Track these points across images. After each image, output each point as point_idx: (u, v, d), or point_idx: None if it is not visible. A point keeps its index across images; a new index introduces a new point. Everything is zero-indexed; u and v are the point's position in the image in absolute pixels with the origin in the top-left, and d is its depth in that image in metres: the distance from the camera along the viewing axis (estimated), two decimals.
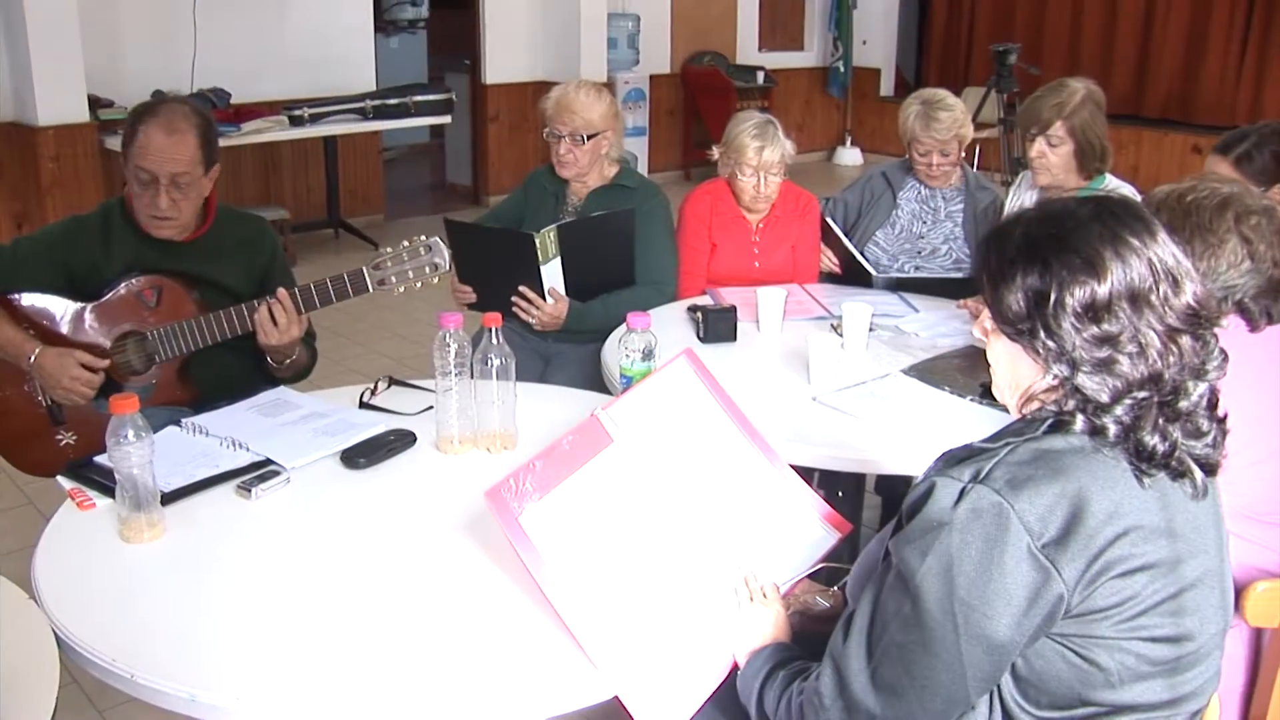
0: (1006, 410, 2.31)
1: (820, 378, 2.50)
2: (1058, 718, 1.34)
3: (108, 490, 1.89)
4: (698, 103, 10.12)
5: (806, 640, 1.64)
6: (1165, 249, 1.33)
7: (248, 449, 2.10)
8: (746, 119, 3.34)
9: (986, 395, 2.43)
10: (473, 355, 2.09)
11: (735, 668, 1.58)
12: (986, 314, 1.45)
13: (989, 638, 1.27)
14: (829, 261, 3.53)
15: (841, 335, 2.73)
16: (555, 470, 1.59)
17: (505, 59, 8.79)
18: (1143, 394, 1.30)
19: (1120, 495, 1.28)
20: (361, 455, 2.08)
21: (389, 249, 2.45)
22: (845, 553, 1.91)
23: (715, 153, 3.43)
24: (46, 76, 6.15)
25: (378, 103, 7.22)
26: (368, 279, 2.44)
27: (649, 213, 3.23)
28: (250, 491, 1.94)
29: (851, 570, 1.59)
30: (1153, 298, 1.30)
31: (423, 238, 2.44)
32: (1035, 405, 1.38)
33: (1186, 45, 9.53)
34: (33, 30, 6.06)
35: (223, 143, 6.13)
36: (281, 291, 2.45)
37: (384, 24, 10.79)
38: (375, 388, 2.44)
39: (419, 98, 7.33)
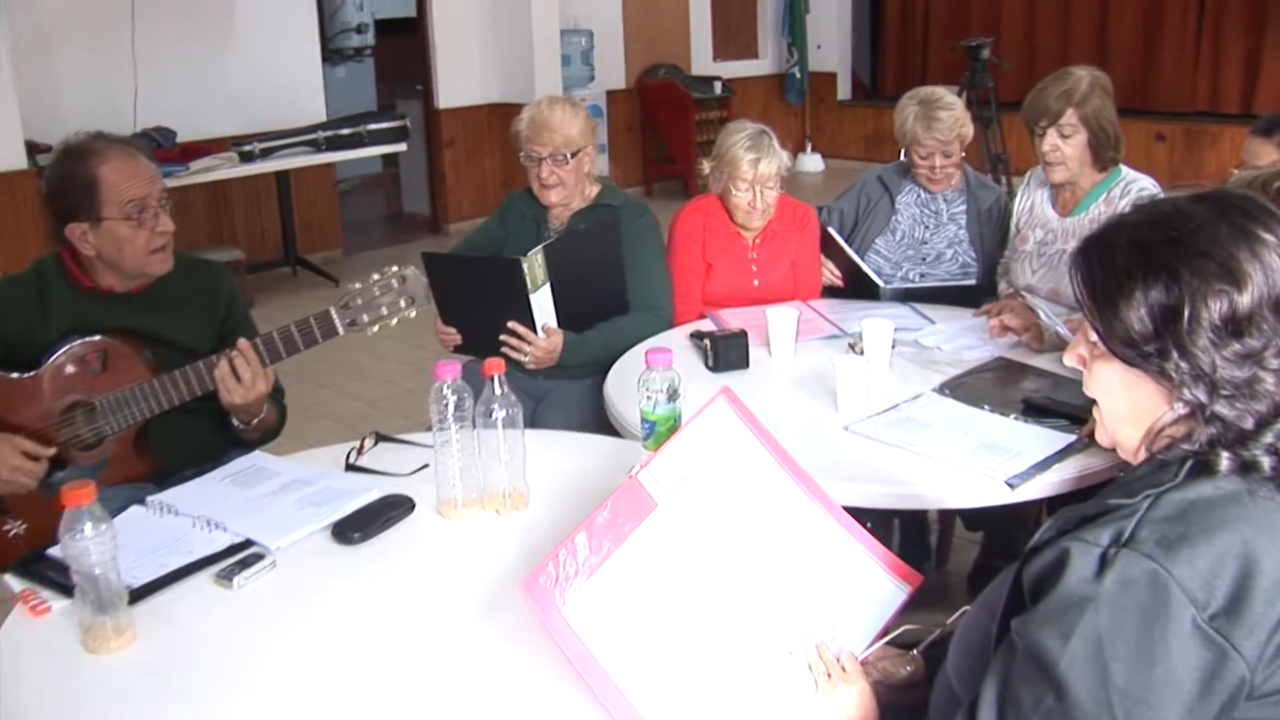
0: (1056, 427, 2.15)
1: (849, 404, 2.29)
2: None
3: (65, 589, 1.63)
4: (656, 116, 9.94)
5: (892, 714, 1.42)
6: None
7: (225, 529, 1.85)
8: (739, 130, 3.13)
9: (1029, 412, 2.23)
10: (474, 407, 1.86)
11: None
12: (1084, 338, 1.25)
13: None
14: (830, 275, 3.33)
15: (862, 354, 2.52)
16: (598, 545, 1.35)
17: (458, 82, 8.55)
18: None
19: None
20: (355, 529, 1.83)
21: (357, 284, 2.19)
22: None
23: (706, 167, 3.21)
24: None
25: (330, 134, 6.94)
26: (336, 321, 2.19)
27: (638, 233, 3.01)
28: (231, 580, 1.69)
29: (951, 646, 1.36)
30: None
31: (395, 268, 2.19)
32: (1165, 442, 1.17)
33: (1144, 33, 9.46)
34: None
35: (171, 183, 5.96)
36: (243, 342, 2.20)
37: (329, 53, 10.52)
38: (361, 446, 2.20)
39: (372, 126, 7.08)
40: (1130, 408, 1.20)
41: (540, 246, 2.72)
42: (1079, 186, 2.92)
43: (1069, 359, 1.28)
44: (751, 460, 1.61)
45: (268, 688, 1.46)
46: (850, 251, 3.25)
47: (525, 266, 2.67)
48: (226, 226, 7.21)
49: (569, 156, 2.94)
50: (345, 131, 7.00)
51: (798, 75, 11.05)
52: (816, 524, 1.61)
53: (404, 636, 1.57)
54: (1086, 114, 2.81)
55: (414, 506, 1.92)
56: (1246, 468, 1.11)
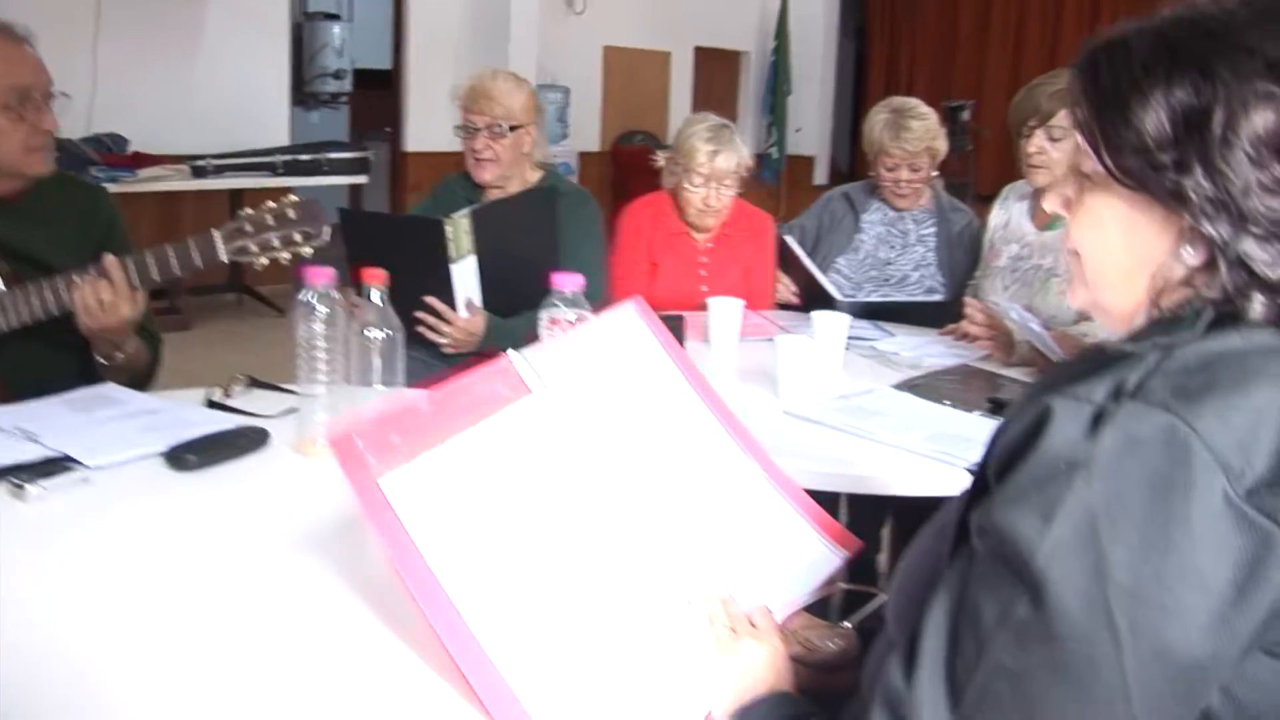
0: None
1: (792, 386, 2.02)
2: None
3: None
4: (628, 183, 9.77)
5: (810, 698, 1.13)
6: None
7: (40, 443, 1.55)
8: (700, 120, 2.93)
9: (998, 410, 1.98)
10: (348, 325, 1.59)
11: None
12: (1072, 176, 0.96)
13: (1174, 651, 0.75)
14: (786, 291, 3.09)
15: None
16: (442, 421, 1.06)
17: (428, 128, 8.35)
18: None
19: None
20: (193, 452, 1.54)
21: (248, 210, 1.95)
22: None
23: (660, 159, 2.99)
24: None
25: (289, 158, 6.72)
26: (219, 245, 1.92)
27: (580, 220, 2.76)
28: (24, 489, 1.40)
29: (894, 582, 1.07)
30: None
31: (292, 197, 1.95)
32: (1177, 297, 0.89)
33: None
34: None
35: (118, 188, 5.73)
36: (109, 257, 1.92)
37: (305, 97, 10.36)
38: (228, 388, 1.91)
39: (333, 155, 6.86)
40: (1125, 251, 0.91)
41: (467, 210, 2.46)
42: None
43: (1051, 203, 1.01)
44: (660, 380, 1.33)
45: (52, 614, 1.16)
46: (808, 263, 3.01)
47: (448, 229, 2.41)
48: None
49: (507, 129, 2.72)
50: (305, 158, 6.78)
51: (775, 155, 10.97)
52: (735, 465, 1.34)
53: (231, 565, 1.27)
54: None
55: (268, 439, 1.63)
56: None
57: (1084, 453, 0.78)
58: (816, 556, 1.31)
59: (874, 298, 3.06)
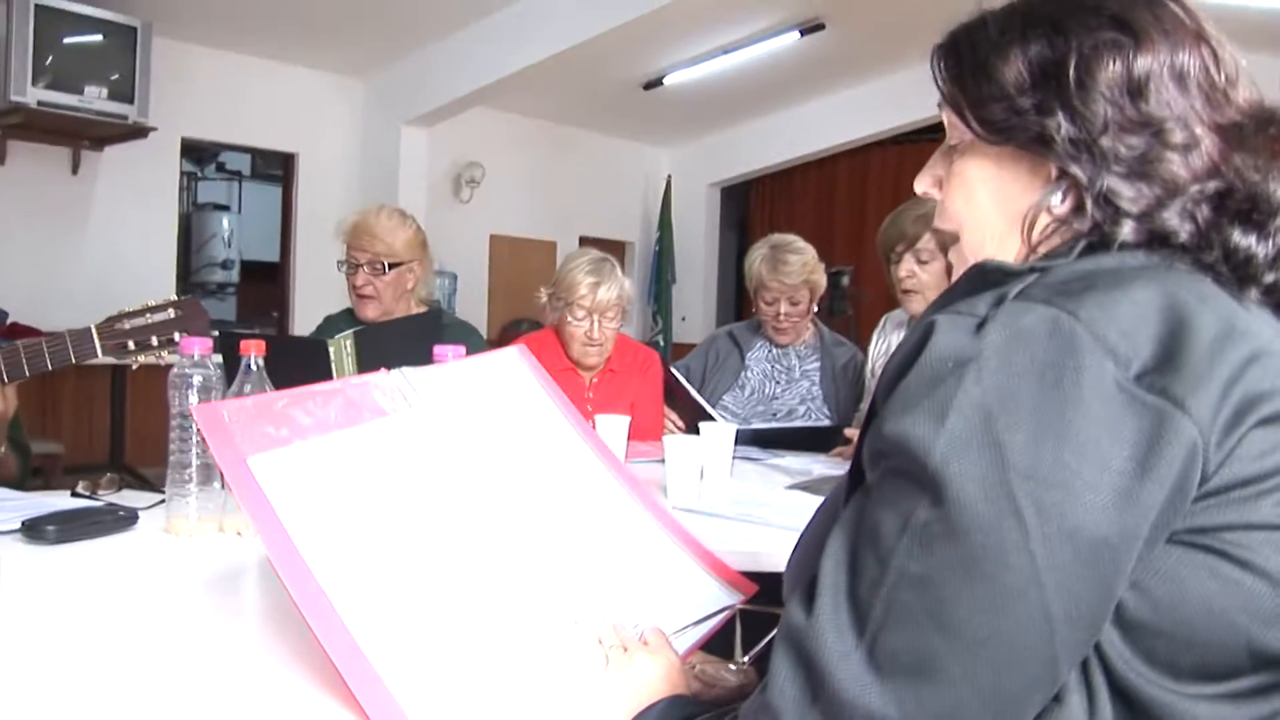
0: None
1: (681, 485, 2.00)
2: (1216, 692, 0.79)
3: None
4: None
5: None
6: (1211, 28, 0.94)
7: None
8: (580, 255, 2.97)
9: None
10: (223, 397, 1.54)
11: None
12: (940, 157, 1.02)
13: (1082, 529, 0.73)
14: (673, 426, 3.09)
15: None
16: (319, 418, 1.02)
17: (314, 313, 8.27)
18: (1212, 183, 0.88)
19: (1227, 310, 0.82)
20: (53, 524, 1.45)
21: (127, 308, 1.91)
22: None
23: (543, 295, 3.02)
24: None
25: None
26: (96, 342, 1.87)
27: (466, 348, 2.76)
28: None
29: (790, 557, 1.04)
30: (1202, 80, 0.90)
31: (174, 298, 1.93)
32: (1053, 243, 0.92)
33: None
34: None
35: None
36: None
37: (191, 286, 10.32)
38: (96, 484, 1.83)
39: (219, 332, 6.78)
40: (997, 207, 0.95)
41: (352, 331, 2.44)
42: None
43: (922, 184, 1.05)
44: (543, 417, 1.31)
45: None
46: (694, 394, 3.02)
47: (332, 351, 2.38)
48: (51, 420, 6.70)
49: (387, 267, 2.74)
50: None
51: (661, 344, 11.15)
52: (622, 505, 1.31)
53: (79, 643, 1.18)
54: (946, 239, 2.66)
55: (136, 520, 1.55)
56: (1156, 239, 0.86)
57: (971, 350, 0.78)
58: (709, 594, 1.28)
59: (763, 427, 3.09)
